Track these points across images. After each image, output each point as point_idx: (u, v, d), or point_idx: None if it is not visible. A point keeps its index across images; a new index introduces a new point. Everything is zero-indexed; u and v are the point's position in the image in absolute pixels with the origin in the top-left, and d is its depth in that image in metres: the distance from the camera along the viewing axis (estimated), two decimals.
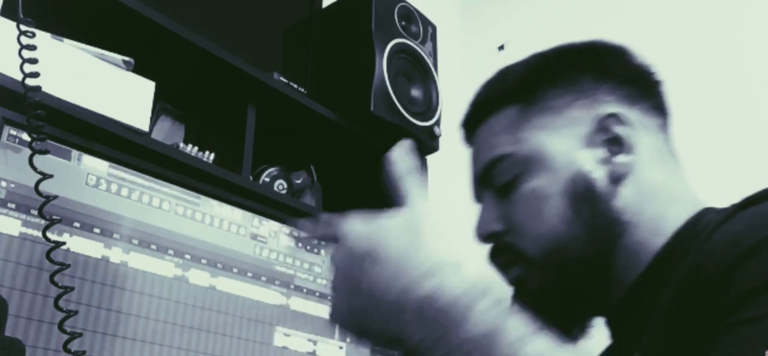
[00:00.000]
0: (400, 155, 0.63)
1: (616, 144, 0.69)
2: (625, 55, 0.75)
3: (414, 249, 0.55)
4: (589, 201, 0.68)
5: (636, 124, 0.70)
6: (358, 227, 0.59)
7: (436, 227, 0.57)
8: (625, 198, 0.68)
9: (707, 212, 0.67)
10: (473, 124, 0.78)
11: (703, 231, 0.62)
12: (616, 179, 0.68)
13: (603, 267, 0.68)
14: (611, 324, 0.73)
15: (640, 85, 0.73)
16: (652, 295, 0.64)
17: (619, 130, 0.69)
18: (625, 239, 0.67)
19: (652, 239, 0.67)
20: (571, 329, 0.71)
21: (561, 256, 0.68)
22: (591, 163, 0.69)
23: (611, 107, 0.70)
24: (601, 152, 0.69)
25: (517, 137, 0.72)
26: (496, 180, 0.73)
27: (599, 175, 0.68)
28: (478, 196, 0.78)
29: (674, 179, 0.71)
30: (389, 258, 0.55)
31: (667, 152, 0.73)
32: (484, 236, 0.75)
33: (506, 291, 0.60)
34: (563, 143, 0.70)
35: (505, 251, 0.73)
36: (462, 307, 0.51)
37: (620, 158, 0.69)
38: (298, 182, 1.47)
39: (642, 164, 0.69)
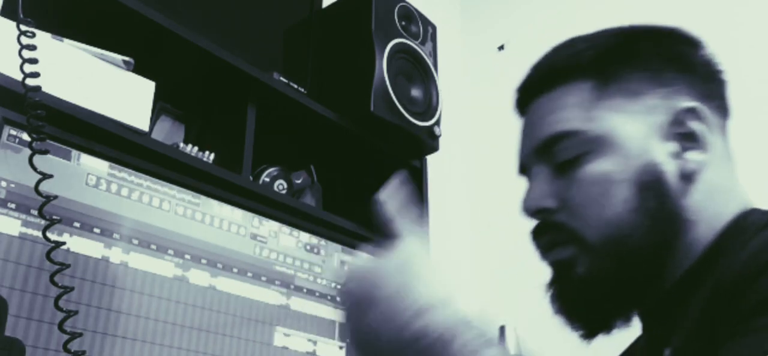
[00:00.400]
0: (390, 194, 0.64)
1: (689, 140, 0.68)
2: (702, 48, 0.73)
3: (406, 290, 0.57)
4: (657, 194, 0.66)
5: (710, 121, 0.69)
6: (357, 270, 0.60)
7: (427, 264, 0.59)
8: (692, 196, 0.66)
9: (752, 212, 0.67)
10: (535, 91, 0.74)
11: (744, 234, 0.62)
12: (687, 175, 0.67)
13: (660, 261, 0.67)
14: (647, 318, 0.72)
15: (713, 83, 0.72)
16: (691, 294, 0.63)
17: (695, 126, 0.68)
18: (686, 236, 0.66)
19: (706, 238, 0.66)
20: (610, 320, 0.69)
21: (621, 245, 0.65)
22: (663, 155, 0.67)
23: (689, 100, 0.68)
24: (674, 146, 0.67)
25: (589, 114, 0.68)
26: (558, 156, 0.69)
27: (670, 169, 0.67)
28: (528, 168, 0.74)
29: (733, 182, 0.71)
30: (383, 300, 0.57)
31: (728, 153, 0.72)
32: (532, 211, 0.72)
33: (491, 324, 0.59)
34: (637, 129, 0.67)
35: (554, 230, 0.70)
36: (445, 342, 0.53)
37: (693, 155, 0.67)
38: (298, 182, 1.47)
39: (711, 164, 0.68)
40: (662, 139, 0.68)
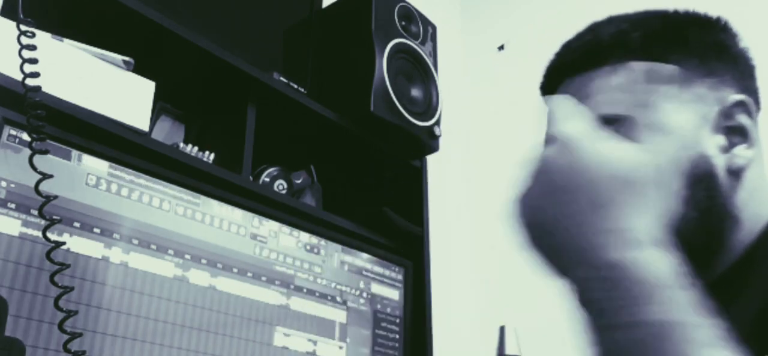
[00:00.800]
0: None
1: (738, 134, 0.65)
2: (740, 40, 0.70)
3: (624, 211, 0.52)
4: (708, 188, 0.63)
5: (754, 116, 0.67)
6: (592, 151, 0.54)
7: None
8: (739, 194, 0.65)
9: None
10: (573, 69, 0.70)
11: None
12: (735, 171, 0.65)
13: (706, 260, 0.64)
14: None
15: (751, 78, 0.70)
16: (734, 296, 0.61)
17: (743, 119, 0.65)
18: (733, 236, 0.64)
19: (748, 238, 0.64)
20: None
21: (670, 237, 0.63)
22: (713, 148, 0.64)
23: (734, 92, 0.66)
24: (722, 139, 0.65)
25: (640, 99, 0.65)
26: None
27: (719, 163, 0.64)
28: None
29: (765, 177, 0.68)
30: (601, 206, 0.52)
31: (761, 151, 0.69)
32: None
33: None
34: (688, 119, 0.64)
35: None
36: (658, 288, 0.48)
37: (741, 151, 0.65)
38: (298, 182, 1.47)
39: (755, 161, 0.66)
40: (712, 131, 0.65)
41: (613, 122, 0.64)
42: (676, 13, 0.70)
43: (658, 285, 0.48)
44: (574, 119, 0.57)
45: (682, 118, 0.65)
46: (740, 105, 0.66)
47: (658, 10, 0.71)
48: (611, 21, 0.71)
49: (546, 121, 0.61)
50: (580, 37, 0.72)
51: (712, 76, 0.67)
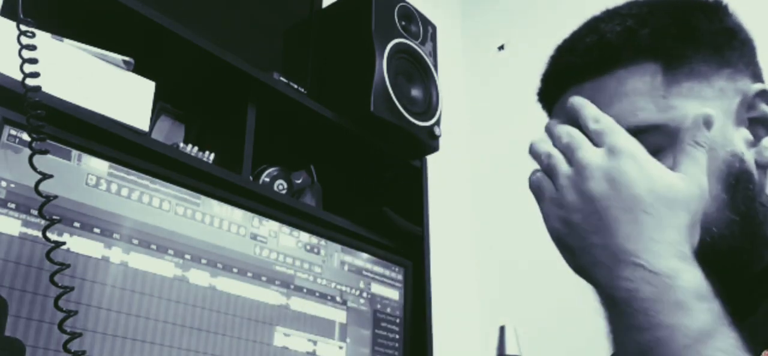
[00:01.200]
0: None
1: (760, 125, 0.62)
2: (743, 24, 0.67)
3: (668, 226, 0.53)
4: (745, 187, 0.60)
5: None
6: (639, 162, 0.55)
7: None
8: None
9: None
10: (581, 75, 0.65)
11: None
12: (763, 165, 0.61)
13: (750, 259, 0.61)
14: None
15: (755, 60, 0.66)
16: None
17: (766, 109, 0.62)
18: (765, 230, 0.61)
19: None
20: None
21: (711, 246, 0.58)
22: (742, 143, 0.61)
23: (751, 81, 0.63)
24: (747, 133, 0.62)
25: (664, 103, 0.60)
26: None
27: (749, 158, 0.61)
28: None
29: None
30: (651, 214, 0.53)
31: None
32: None
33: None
34: (716, 118, 0.59)
35: None
36: (690, 297, 0.50)
37: None
38: (298, 182, 1.47)
39: None
40: (736, 125, 0.61)
41: (643, 133, 0.60)
42: (679, 2, 0.66)
43: (690, 296, 0.50)
44: (622, 133, 0.56)
45: None
46: (762, 95, 0.62)
47: (659, 1, 0.66)
48: (613, 17, 0.66)
49: (571, 124, 0.59)
50: (581, 39, 0.67)
51: (728, 67, 0.63)
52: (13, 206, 0.92)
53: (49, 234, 0.81)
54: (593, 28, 0.66)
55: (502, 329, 1.69)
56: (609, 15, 0.66)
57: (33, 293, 0.91)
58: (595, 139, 0.57)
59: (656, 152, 0.58)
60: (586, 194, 0.55)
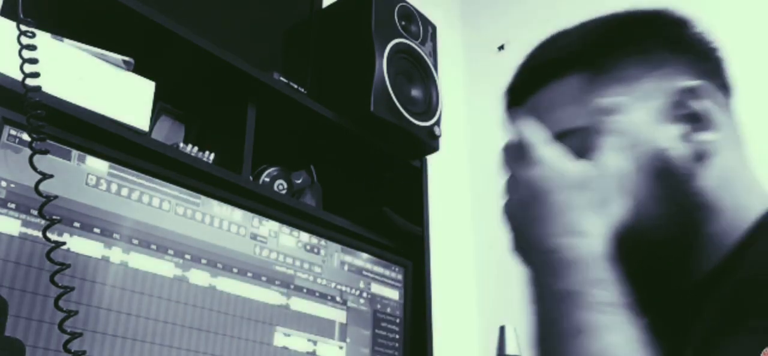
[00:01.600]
0: None
1: (696, 120, 0.65)
2: (692, 27, 0.71)
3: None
4: (671, 180, 0.64)
5: (715, 99, 0.66)
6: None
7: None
8: (708, 181, 0.64)
9: None
10: (526, 91, 0.73)
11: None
12: (699, 157, 0.64)
13: (685, 253, 0.65)
14: (664, 318, 0.69)
15: (709, 61, 0.69)
16: (714, 292, 0.61)
17: (697, 105, 0.65)
18: (709, 227, 0.64)
19: (731, 232, 0.64)
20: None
21: (647, 239, 0.64)
22: (670, 139, 0.65)
23: (686, 80, 0.66)
24: (681, 128, 0.65)
25: (589, 108, 0.67)
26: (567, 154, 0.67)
27: (681, 153, 0.64)
28: None
29: (746, 167, 0.68)
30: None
31: (738, 136, 0.69)
32: None
33: None
34: (639, 117, 0.65)
35: None
36: (583, 265, 0.59)
37: (703, 136, 0.65)
38: (298, 182, 1.47)
39: (722, 145, 0.65)
40: (668, 122, 0.66)
41: (570, 135, 0.67)
42: (618, 15, 0.72)
43: (584, 264, 0.58)
44: (543, 144, 0.66)
45: (633, 117, 0.65)
46: (689, 91, 0.66)
47: (605, 15, 0.73)
48: (559, 36, 0.74)
49: (518, 139, 0.69)
50: (532, 56, 0.75)
51: (661, 69, 0.67)
52: (13, 206, 0.92)
53: (49, 234, 0.81)
54: (540, 47, 0.75)
55: (502, 329, 1.69)
56: (556, 34, 0.75)
57: (33, 293, 0.91)
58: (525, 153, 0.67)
59: (583, 152, 0.65)
60: (516, 205, 0.68)
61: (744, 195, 0.66)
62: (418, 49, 1.58)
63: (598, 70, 0.68)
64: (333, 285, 1.34)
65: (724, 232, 0.64)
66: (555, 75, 0.70)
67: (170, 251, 1.09)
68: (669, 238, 0.64)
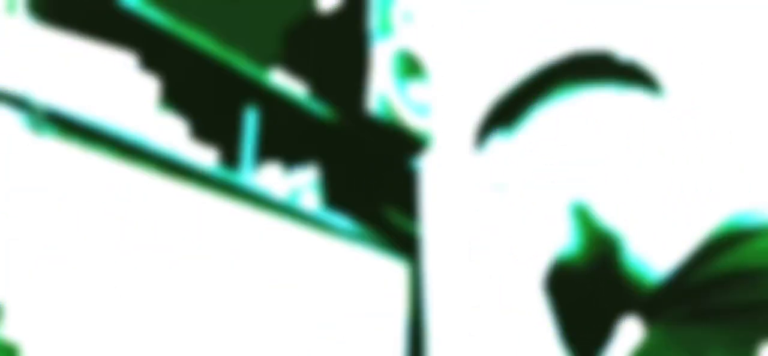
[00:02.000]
0: None
1: None
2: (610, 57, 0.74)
3: None
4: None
5: None
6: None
7: None
8: None
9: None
10: (482, 139, 0.80)
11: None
12: None
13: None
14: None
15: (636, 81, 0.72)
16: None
17: None
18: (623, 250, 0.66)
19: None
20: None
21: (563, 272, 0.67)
22: None
23: None
24: None
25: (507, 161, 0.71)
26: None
27: None
28: None
29: None
30: None
31: None
32: None
33: None
34: None
35: None
36: None
37: None
38: (298, 181, 1.47)
39: None
40: None
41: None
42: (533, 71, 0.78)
43: None
44: None
45: None
46: None
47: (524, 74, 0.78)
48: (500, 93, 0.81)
49: None
50: (485, 108, 0.82)
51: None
52: None
53: None
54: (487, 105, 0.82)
55: (502, 329, 1.69)
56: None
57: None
58: None
59: None
60: None
61: None
62: (418, 49, 1.58)
63: (511, 125, 0.75)
64: (333, 284, 1.34)
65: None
66: (488, 131, 0.78)
67: (170, 252, 1.09)
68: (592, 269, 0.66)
